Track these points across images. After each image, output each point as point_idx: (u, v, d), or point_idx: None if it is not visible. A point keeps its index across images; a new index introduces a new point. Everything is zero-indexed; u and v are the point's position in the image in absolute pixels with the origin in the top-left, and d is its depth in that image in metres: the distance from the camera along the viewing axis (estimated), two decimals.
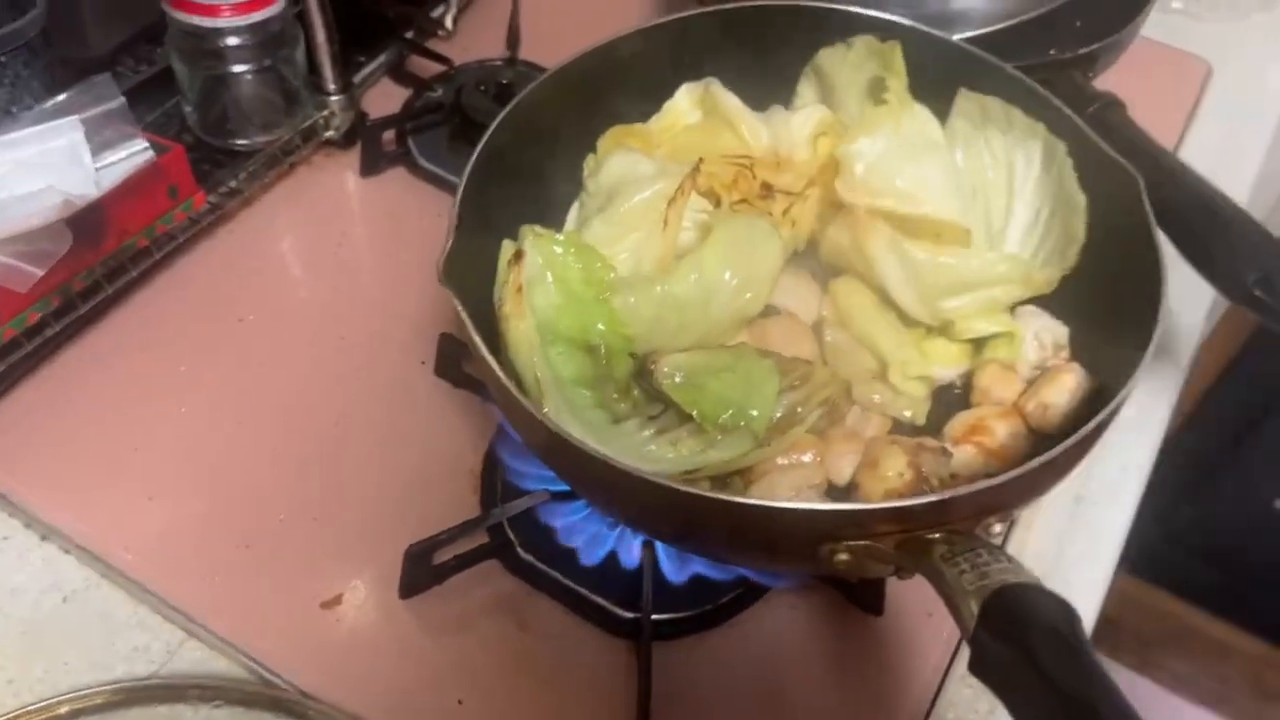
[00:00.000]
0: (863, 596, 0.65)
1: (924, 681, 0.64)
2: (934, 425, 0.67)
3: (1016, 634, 0.44)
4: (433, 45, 0.95)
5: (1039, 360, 0.68)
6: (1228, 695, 2.01)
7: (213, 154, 0.83)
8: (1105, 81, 0.79)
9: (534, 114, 0.69)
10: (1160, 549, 2.03)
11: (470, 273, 0.63)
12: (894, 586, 0.66)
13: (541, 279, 0.62)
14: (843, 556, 0.52)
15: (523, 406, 0.54)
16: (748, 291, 0.64)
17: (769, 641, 0.65)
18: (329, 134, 0.85)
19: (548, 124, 0.71)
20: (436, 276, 0.57)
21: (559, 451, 0.55)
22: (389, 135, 0.88)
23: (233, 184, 0.81)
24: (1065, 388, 0.64)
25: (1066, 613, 0.44)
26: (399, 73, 0.93)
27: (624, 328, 0.63)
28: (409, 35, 0.95)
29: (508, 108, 0.66)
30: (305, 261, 0.82)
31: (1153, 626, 2.10)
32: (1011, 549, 0.70)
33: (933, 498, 0.50)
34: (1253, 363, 1.62)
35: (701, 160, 0.68)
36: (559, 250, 0.62)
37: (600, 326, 0.63)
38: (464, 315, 0.56)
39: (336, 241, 0.83)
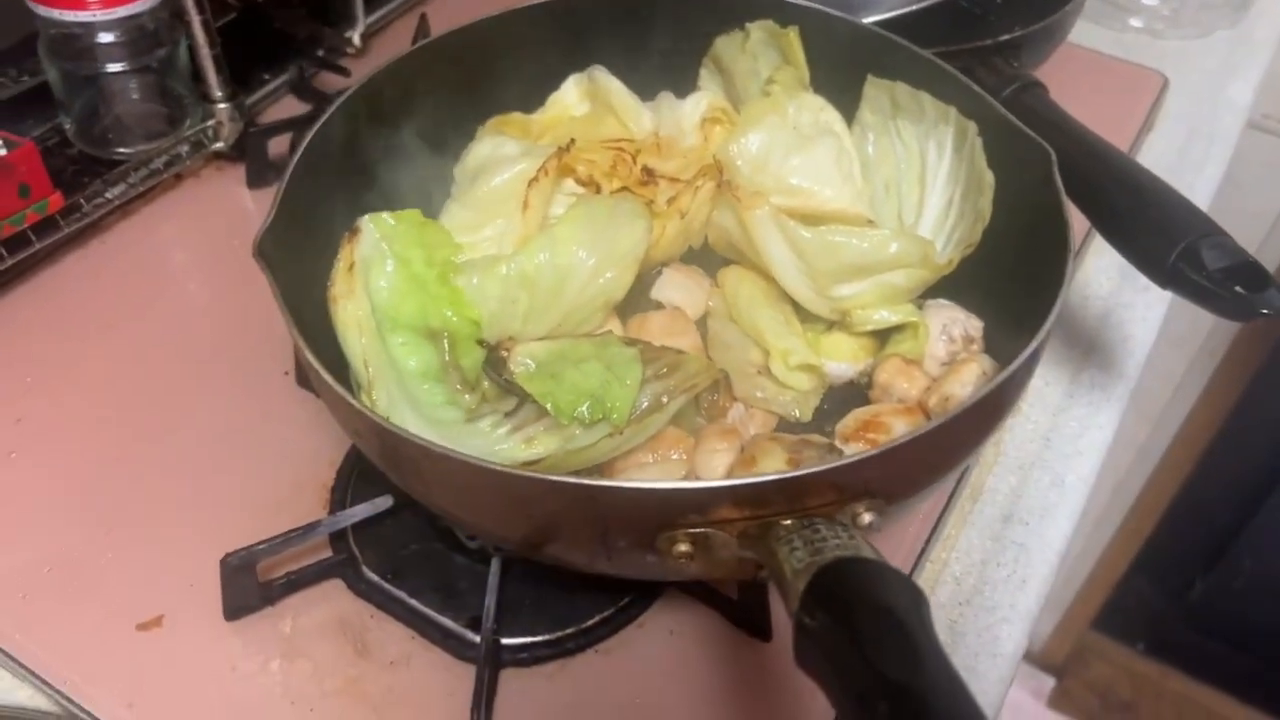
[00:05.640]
0: (748, 619, 0.57)
1: (821, 714, 0.55)
2: (831, 426, 0.60)
3: (841, 612, 0.36)
4: (344, 63, 0.91)
5: (948, 355, 0.61)
6: None
7: (94, 166, 0.79)
8: (1055, 97, 0.73)
9: (404, 93, 0.64)
10: (1178, 629, 1.91)
11: (320, 265, 0.58)
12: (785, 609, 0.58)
13: (380, 260, 0.57)
14: (683, 547, 0.45)
15: (328, 383, 0.48)
16: (607, 271, 0.57)
17: (643, 671, 0.57)
18: (217, 145, 0.81)
19: (423, 108, 0.66)
20: (252, 251, 0.52)
21: (366, 433, 0.49)
22: (281, 147, 0.83)
23: (108, 194, 0.76)
24: (966, 378, 0.57)
25: (909, 593, 0.37)
26: (303, 88, 0.89)
27: (470, 311, 0.57)
28: (320, 54, 0.91)
29: (360, 81, 0.61)
30: (180, 273, 0.77)
31: (1174, 713, 1.97)
32: (928, 570, 0.62)
33: (775, 475, 0.43)
34: (1257, 415, 1.52)
35: (572, 141, 0.62)
36: (398, 227, 0.57)
37: (446, 312, 0.57)
38: (274, 287, 0.51)
39: (217, 253, 0.78)
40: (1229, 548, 1.71)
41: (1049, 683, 1.97)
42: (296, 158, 0.56)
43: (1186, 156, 0.91)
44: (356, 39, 0.89)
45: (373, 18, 0.94)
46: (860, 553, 0.39)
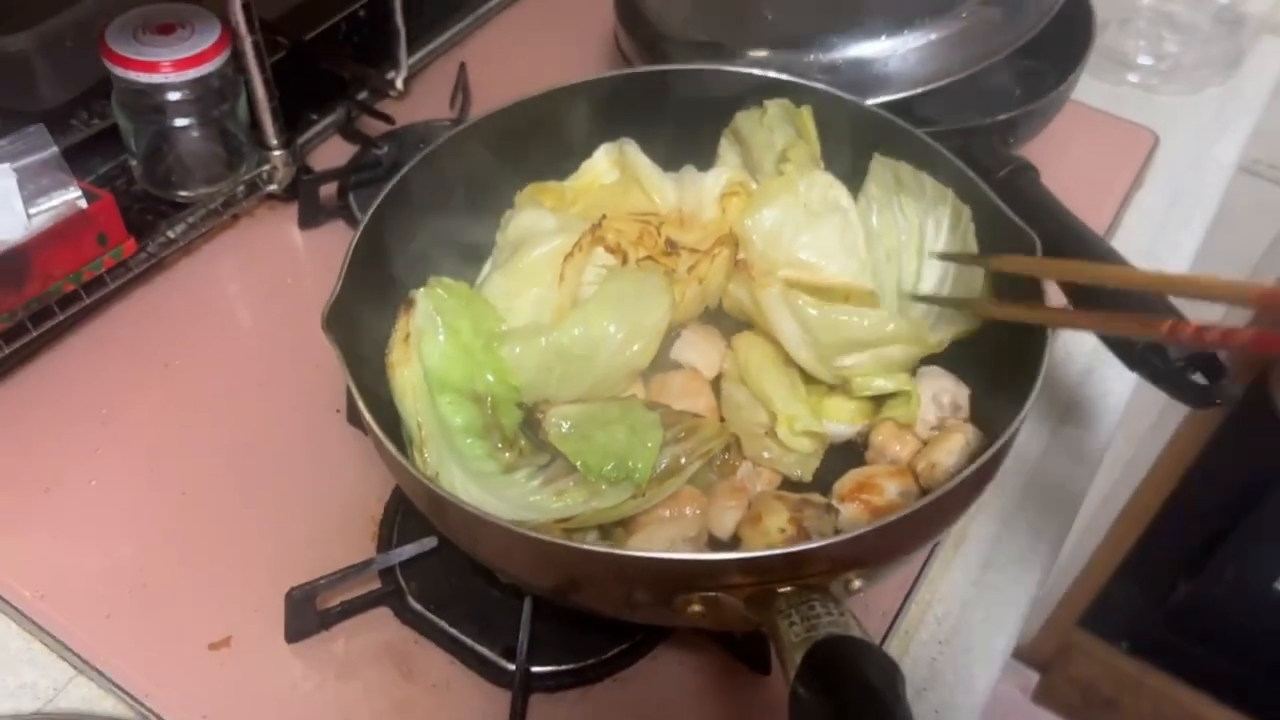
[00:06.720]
0: (749, 655, 0.64)
1: None
2: (830, 483, 0.67)
3: (831, 688, 0.43)
4: (384, 106, 0.97)
5: (938, 421, 0.68)
6: None
7: (157, 205, 0.86)
8: (1047, 150, 0.79)
9: (449, 167, 0.71)
10: (1160, 631, 1.98)
11: (376, 323, 0.65)
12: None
13: (432, 328, 0.63)
14: (696, 608, 0.52)
15: (390, 452, 0.55)
16: (634, 344, 0.64)
17: (656, 699, 0.64)
18: (271, 187, 0.88)
19: (466, 178, 0.73)
20: (320, 323, 0.59)
21: (421, 494, 0.56)
22: (330, 190, 0.90)
23: (170, 234, 0.83)
24: (952, 447, 0.64)
25: (887, 670, 0.44)
26: (349, 131, 0.95)
27: (511, 377, 0.64)
28: (362, 96, 0.97)
29: (415, 158, 0.68)
30: (237, 310, 0.84)
31: (1153, 711, 2.05)
32: (912, 612, 0.69)
33: (779, 550, 0.50)
34: (1243, 436, 1.59)
35: (604, 217, 0.69)
36: (449, 300, 0.63)
37: (489, 377, 0.64)
38: (342, 362, 0.57)
39: (270, 291, 0.85)
40: (1211, 557, 1.78)
41: (1034, 678, 2.05)
42: (354, 243, 0.62)
43: (1172, 213, 0.97)
44: (399, 83, 0.95)
45: (412, 59, 1.00)
46: (849, 631, 0.46)
